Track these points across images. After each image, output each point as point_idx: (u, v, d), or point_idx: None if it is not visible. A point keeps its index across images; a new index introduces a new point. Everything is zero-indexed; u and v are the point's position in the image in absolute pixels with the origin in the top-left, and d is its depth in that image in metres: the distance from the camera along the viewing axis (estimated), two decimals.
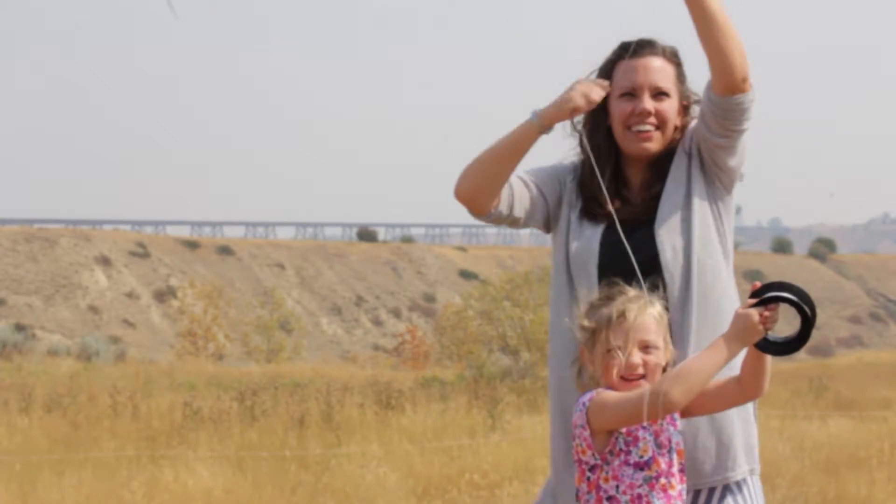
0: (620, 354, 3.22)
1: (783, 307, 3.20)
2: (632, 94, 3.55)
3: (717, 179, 3.55)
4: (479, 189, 3.54)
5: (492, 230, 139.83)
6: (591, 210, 3.59)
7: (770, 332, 3.19)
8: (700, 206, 3.52)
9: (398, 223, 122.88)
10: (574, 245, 3.57)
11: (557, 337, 3.59)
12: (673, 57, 3.61)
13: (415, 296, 76.34)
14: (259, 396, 15.95)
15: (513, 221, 3.64)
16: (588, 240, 3.56)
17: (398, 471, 10.74)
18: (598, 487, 3.24)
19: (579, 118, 3.67)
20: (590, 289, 3.49)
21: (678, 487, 3.24)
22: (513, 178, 3.60)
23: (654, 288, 3.35)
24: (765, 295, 3.17)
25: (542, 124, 3.47)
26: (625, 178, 3.61)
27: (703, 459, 3.47)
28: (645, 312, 3.25)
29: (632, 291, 3.29)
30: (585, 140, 3.64)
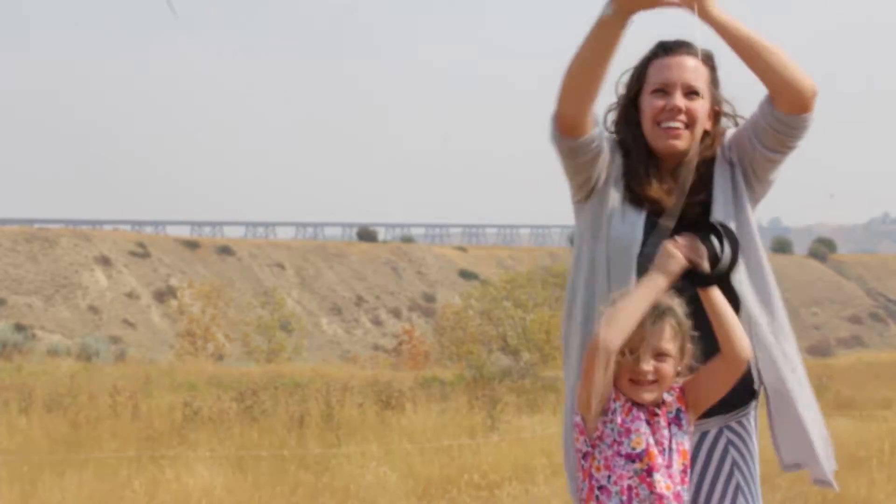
0: (631, 360, 3.21)
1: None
2: (664, 90, 3.54)
3: (751, 191, 3.58)
4: (581, 97, 3.43)
5: (492, 230, 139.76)
6: (634, 193, 3.56)
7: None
8: (749, 213, 3.55)
9: (398, 223, 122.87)
10: (617, 226, 3.53)
11: (575, 331, 3.58)
12: (708, 60, 3.59)
13: (415, 296, 76.35)
14: (259, 396, 15.95)
15: (593, 159, 3.53)
16: (632, 224, 3.53)
17: (398, 471, 10.74)
18: (591, 476, 3.23)
19: (613, 116, 3.67)
20: (627, 273, 3.47)
21: (676, 488, 3.22)
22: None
23: (678, 293, 3.34)
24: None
25: (617, 10, 3.34)
26: (659, 176, 3.59)
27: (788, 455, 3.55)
28: (662, 319, 3.22)
29: None
30: (616, 134, 3.65)
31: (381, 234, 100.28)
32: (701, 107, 3.55)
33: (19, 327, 44.44)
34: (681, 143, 3.54)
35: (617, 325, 3.14)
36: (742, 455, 3.54)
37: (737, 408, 3.54)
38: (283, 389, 18.65)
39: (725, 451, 3.52)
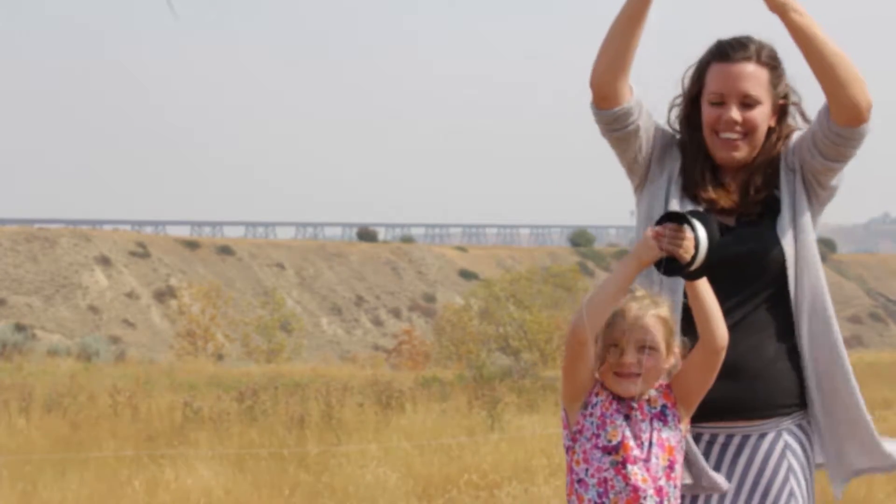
0: (615, 351, 3.23)
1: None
2: (720, 101, 3.51)
3: (815, 197, 3.55)
4: (610, 64, 3.41)
5: (492, 230, 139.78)
6: (692, 192, 3.53)
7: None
8: (807, 224, 3.51)
9: (398, 223, 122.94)
10: None
11: None
12: (768, 60, 3.53)
13: (415, 296, 76.37)
14: (259, 396, 15.96)
15: (631, 134, 3.51)
16: None
17: (398, 471, 10.74)
18: (572, 470, 3.24)
19: (676, 112, 3.63)
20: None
21: (658, 483, 3.21)
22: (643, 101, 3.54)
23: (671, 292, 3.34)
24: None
25: None
26: (720, 176, 3.57)
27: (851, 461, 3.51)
28: (647, 313, 3.23)
29: (640, 292, 3.28)
30: (678, 133, 3.62)
31: (381, 234, 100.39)
32: (760, 113, 3.50)
33: (19, 327, 44.44)
34: (739, 154, 3.51)
35: (592, 305, 3.17)
36: (799, 461, 3.49)
37: (792, 410, 3.50)
38: (283, 389, 18.65)
39: (782, 456, 3.47)
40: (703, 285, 3.25)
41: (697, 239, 3.17)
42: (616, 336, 3.22)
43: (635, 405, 3.24)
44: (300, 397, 16.98)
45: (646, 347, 3.22)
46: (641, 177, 3.59)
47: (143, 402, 16.39)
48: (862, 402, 3.53)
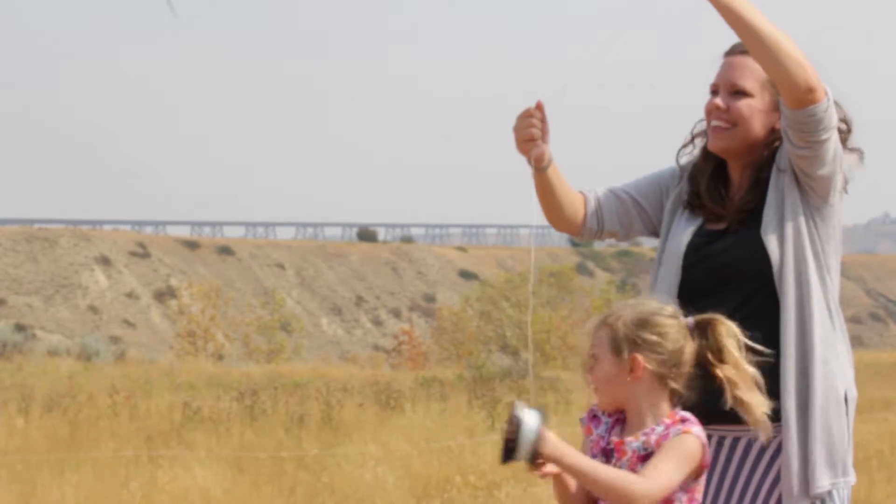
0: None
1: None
2: (714, 91, 3.55)
3: (809, 189, 3.46)
4: (551, 218, 3.70)
5: (492, 230, 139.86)
6: (692, 202, 3.60)
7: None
8: (793, 220, 3.44)
9: (398, 223, 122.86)
10: (671, 238, 3.61)
11: None
12: None
13: (415, 296, 76.39)
14: (259, 396, 15.96)
15: (611, 234, 3.73)
16: (682, 233, 3.57)
17: (397, 471, 10.74)
18: None
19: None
20: (671, 283, 3.51)
21: None
22: (602, 194, 3.71)
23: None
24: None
25: (530, 162, 3.56)
26: (727, 176, 3.60)
27: (787, 474, 3.39)
28: (594, 322, 3.07)
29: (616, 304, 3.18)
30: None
31: (381, 234, 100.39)
32: (746, 105, 3.49)
33: (19, 327, 44.46)
34: (721, 143, 3.52)
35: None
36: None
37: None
38: (283, 390, 18.65)
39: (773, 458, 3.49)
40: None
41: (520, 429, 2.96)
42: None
43: (618, 452, 3.02)
44: (300, 397, 16.99)
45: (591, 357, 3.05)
46: (654, 233, 3.73)
47: (142, 403, 16.39)
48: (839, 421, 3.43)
